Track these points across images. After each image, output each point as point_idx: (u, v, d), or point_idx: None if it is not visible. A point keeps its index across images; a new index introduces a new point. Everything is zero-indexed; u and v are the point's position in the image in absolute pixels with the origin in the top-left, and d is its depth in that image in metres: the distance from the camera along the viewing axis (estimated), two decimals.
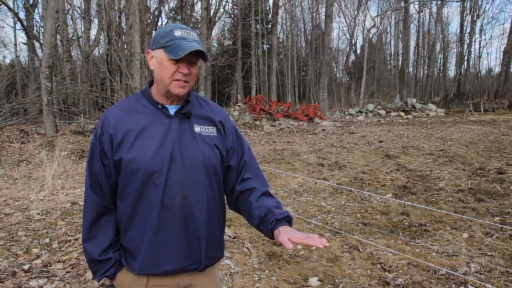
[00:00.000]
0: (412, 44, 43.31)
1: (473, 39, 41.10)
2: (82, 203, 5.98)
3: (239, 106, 20.19)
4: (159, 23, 33.56)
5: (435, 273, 3.84)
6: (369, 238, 4.71)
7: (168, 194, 1.58)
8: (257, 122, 18.09)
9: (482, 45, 73.04)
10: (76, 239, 4.67)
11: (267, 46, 35.73)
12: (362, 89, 29.48)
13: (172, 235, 1.60)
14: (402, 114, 23.98)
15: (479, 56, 45.06)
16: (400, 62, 36.56)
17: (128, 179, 1.59)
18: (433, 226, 5.11)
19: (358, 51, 46.10)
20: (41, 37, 25.13)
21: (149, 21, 28.30)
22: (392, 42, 44.11)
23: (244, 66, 32.89)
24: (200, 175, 1.64)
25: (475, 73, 46.63)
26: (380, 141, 12.80)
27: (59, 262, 4.11)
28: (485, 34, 76.39)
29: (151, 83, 1.71)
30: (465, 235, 4.80)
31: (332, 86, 38.49)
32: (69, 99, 18.41)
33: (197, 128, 1.67)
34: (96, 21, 26.75)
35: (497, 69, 45.41)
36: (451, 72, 45.78)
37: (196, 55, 1.59)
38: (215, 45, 40.76)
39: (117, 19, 21.75)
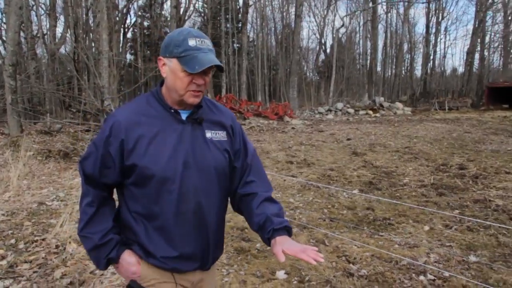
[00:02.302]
0: (380, 44, 44.23)
1: (438, 40, 42.29)
2: (50, 204, 5.93)
3: None
4: (128, 21, 33.15)
5: (397, 263, 3.99)
6: (335, 232, 4.84)
7: (182, 201, 1.60)
8: None
9: (447, 45, 75.26)
10: (43, 239, 4.61)
11: (238, 45, 35.78)
12: (331, 88, 29.89)
13: (186, 239, 1.64)
14: (370, 112, 24.46)
15: (444, 56, 46.51)
16: (368, 62, 37.24)
17: (141, 184, 1.59)
18: (397, 220, 5.29)
19: (328, 51, 46.70)
20: (3, 34, 24.40)
21: (117, 18, 27.91)
22: (361, 42, 44.84)
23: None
24: (212, 181, 1.67)
25: (441, 73, 47.98)
26: (348, 139, 13.05)
27: (25, 262, 4.06)
28: (449, 35, 78.62)
29: (162, 83, 1.69)
30: (426, 227, 4.99)
31: (302, 85, 38.84)
32: (34, 98, 17.99)
33: (208, 134, 1.69)
34: (62, 18, 26.20)
35: (461, 69, 46.82)
36: (418, 71, 46.85)
37: (211, 67, 1.58)
38: None
39: (84, 16, 21.36)
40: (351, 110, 24.42)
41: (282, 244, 1.56)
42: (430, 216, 5.42)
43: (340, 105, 25.27)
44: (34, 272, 3.86)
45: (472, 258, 4.09)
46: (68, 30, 21.02)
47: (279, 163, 9.07)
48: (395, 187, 6.98)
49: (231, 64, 32.25)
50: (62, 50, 25.08)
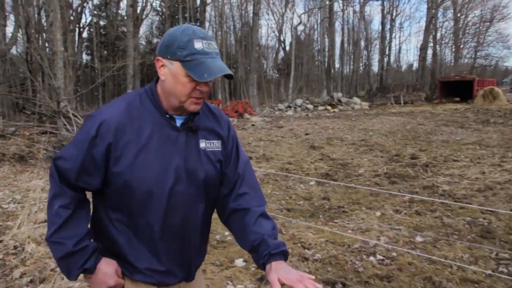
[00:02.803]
0: (338, 41, 45.18)
1: (393, 36, 43.62)
2: (6, 206, 5.83)
3: None
4: (83, 20, 32.40)
5: (349, 247, 4.22)
6: (292, 222, 5.03)
7: (170, 214, 1.48)
8: None
9: (401, 41, 77.55)
10: (0, 241, 4.56)
11: None
12: (290, 85, 30.32)
13: (171, 254, 1.54)
14: (329, 108, 25.00)
15: (399, 52, 47.94)
16: (326, 58, 37.96)
17: (126, 194, 1.44)
18: (351, 208, 5.54)
19: (287, 48, 47.23)
20: None
21: (72, 18, 27.26)
22: (319, 39, 45.63)
23: None
24: (200, 193, 1.56)
25: (396, 68, 49.50)
26: (307, 134, 13.36)
27: None
28: (403, 31, 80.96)
29: (157, 80, 1.50)
30: (378, 213, 5.27)
31: (262, 82, 39.15)
32: None
33: (202, 144, 1.55)
34: (12, 17, 25.32)
35: (416, 64, 48.45)
36: (375, 67, 48.22)
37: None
38: (143, 43, 39.99)
39: (36, 15, 20.76)
40: (310, 106, 24.88)
41: (278, 271, 1.46)
42: (382, 202, 5.71)
43: (299, 102, 25.69)
44: None
45: (419, 239, 4.37)
46: (20, 29, 20.40)
47: None
48: (350, 177, 7.27)
49: None
50: (13, 50, 24.29)
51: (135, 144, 1.41)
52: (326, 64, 38.16)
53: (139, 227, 1.47)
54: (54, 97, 13.49)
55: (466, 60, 50.23)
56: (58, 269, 3.78)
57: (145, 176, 1.41)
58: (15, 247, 4.36)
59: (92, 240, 1.51)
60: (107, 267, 1.49)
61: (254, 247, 1.54)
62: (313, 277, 1.44)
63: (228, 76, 1.42)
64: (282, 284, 1.42)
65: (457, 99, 30.29)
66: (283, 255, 1.52)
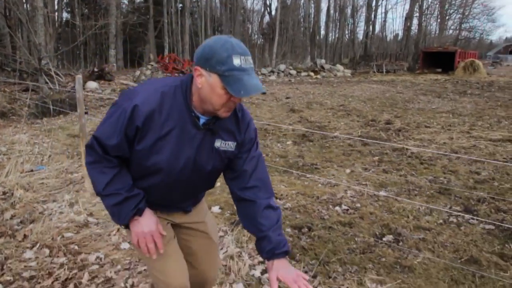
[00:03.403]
0: (324, 7, 44.80)
1: (379, 4, 43.46)
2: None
3: (152, 65, 20.03)
4: None
5: (318, 198, 4.58)
6: None
7: (168, 189, 1.75)
8: None
9: (387, 9, 77.14)
10: None
11: (181, 5, 35.05)
12: (274, 50, 30.30)
13: (167, 204, 1.84)
14: (312, 74, 25.19)
15: (384, 21, 47.78)
16: (311, 24, 37.78)
17: (137, 164, 1.67)
18: (323, 165, 5.89)
19: (273, 13, 46.73)
20: None
21: None
22: (305, 4, 45.17)
23: (156, 25, 32.11)
24: (202, 179, 1.79)
25: (381, 37, 49.56)
26: (287, 98, 13.62)
27: None
28: (390, 0, 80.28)
29: (192, 78, 1.61)
30: (348, 170, 5.63)
31: (246, 47, 38.90)
32: None
33: (217, 143, 1.69)
34: None
35: (401, 34, 48.51)
36: (360, 35, 48.19)
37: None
38: (126, 1, 39.11)
39: None
40: (293, 72, 25.02)
41: (278, 270, 1.69)
42: (353, 161, 6.07)
43: (282, 67, 25.79)
44: None
45: (382, 193, 4.75)
46: None
47: None
48: (326, 139, 7.61)
49: (174, 25, 31.69)
50: None
51: (157, 133, 1.57)
52: (310, 30, 37.99)
53: (140, 185, 1.71)
54: (35, 54, 13.39)
55: (451, 32, 50.58)
56: (46, 212, 4.09)
57: (156, 159, 1.62)
58: (4, 193, 4.60)
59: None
60: (152, 214, 1.73)
61: (258, 238, 1.77)
62: (307, 277, 1.71)
63: (263, 93, 1.52)
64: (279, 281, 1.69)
65: (439, 70, 30.73)
66: (286, 253, 1.74)
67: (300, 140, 7.48)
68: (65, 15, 35.93)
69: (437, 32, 48.87)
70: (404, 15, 41.57)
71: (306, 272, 3.00)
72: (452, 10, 46.54)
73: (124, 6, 36.66)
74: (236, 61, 1.45)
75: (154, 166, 1.64)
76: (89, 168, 1.67)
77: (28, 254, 3.29)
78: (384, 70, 29.37)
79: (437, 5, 44.94)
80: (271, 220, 1.75)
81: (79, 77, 4.61)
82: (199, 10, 37.07)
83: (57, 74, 14.23)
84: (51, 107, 9.81)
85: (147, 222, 1.69)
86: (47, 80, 13.55)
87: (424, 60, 31.46)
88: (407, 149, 6.77)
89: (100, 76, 16.38)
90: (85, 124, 4.68)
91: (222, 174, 1.86)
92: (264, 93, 1.54)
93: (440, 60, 30.72)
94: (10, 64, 15.32)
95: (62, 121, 9.27)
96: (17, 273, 3.01)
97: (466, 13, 47.07)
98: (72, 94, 10.18)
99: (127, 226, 1.72)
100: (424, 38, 42.80)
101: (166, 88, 1.60)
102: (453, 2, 45.46)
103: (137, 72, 18.88)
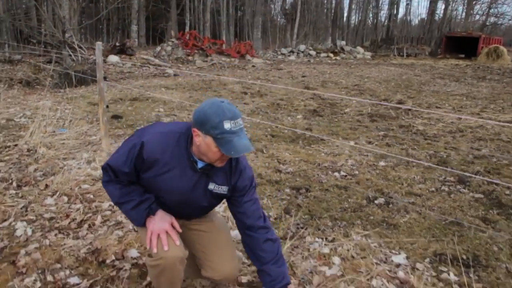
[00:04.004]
0: None
1: None
2: (18, 120, 6.40)
3: (172, 41, 20.29)
4: None
5: (319, 165, 4.84)
6: (273, 144, 5.63)
7: (175, 207, 2.02)
8: (190, 57, 18.44)
9: None
10: (15, 145, 5.15)
11: None
12: (295, 30, 30.19)
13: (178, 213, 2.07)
14: (331, 55, 25.14)
15: (407, 4, 46.78)
16: (333, 5, 37.39)
17: (145, 186, 1.99)
18: (329, 137, 6.12)
19: None
20: None
21: None
22: None
23: (179, 2, 32.25)
24: (200, 209, 2.11)
25: (405, 21, 48.69)
26: (304, 76, 13.78)
27: (1, 161, 4.64)
28: None
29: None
30: (352, 143, 5.85)
31: (268, 27, 38.81)
32: None
33: (211, 186, 1.98)
34: None
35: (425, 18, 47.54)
36: (384, 19, 47.43)
37: None
38: None
39: None
40: (313, 52, 25.01)
41: None
42: (358, 135, 6.29)
43: (302, 47, 25.78)
44: (10, 168, 4.47)
45: (381, 163, 4.98)
46: None
47: (234, 93, 9.74)
48: (336, 115, 7.81)
49: (196, 2, 31.80)
50: None
51: (159, 169, 1.90)
52: (332, 11, 37.64)
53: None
54: (59, 26, 13.78)
55: (477, 17, 49.32)
56: (65, 167, 4.44)
57: (157, 187, 1.95)
58: (28, 150, 4.98)
59: None
60: (165, 213, 1.99)
61: (258, 270, 2.07)
62: None
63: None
64: None
65: (462, 55, 30.21)
66: (286, 286, 2.03)
67: (310, 115, 7.70)
68: None
69: (463, 17, 47.72)
70: None
71: (297, 225, 3.29)
72: None
73: None
74: (227, 126, 1.71)
75: (156, 192, 1.98)
76: (105, 185, 2.02)
77: (49, 200, 3.65)
78: (405, 54, 29.05)
79: None
80: (271, 253, 2.04)
81: (99, 43, 4.91)
82: None
83: (80, 47, 14.63)
84: (74, 77, 10.20)
85: (160, 219, 1.95)
86: (70, 53, 13.98)
87: (446, 45, 30.91)
88: (413, 126, 6.95)
89: (122, 50, 16.74)
90: (103, 88, 5.00)
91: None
92: (253, 151, 1.87)
93: (463, 45, 30.17)
94: (35, 36, 15.77)
95: (83, 91, 9.65)
96: (39, 214, 3.37)
97: None
98: (94, 66, 10.55)
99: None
100: (448, 23, 41.92)
101: (171, 134, 1.92)
102: None
103: (158, 48, 19.20)
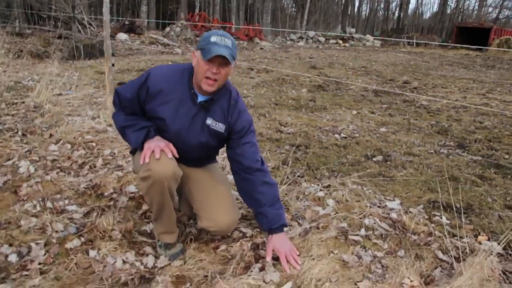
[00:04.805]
0: None
1: None
2: (26, 83, 6.50)
3: (182, 23, 20.27)
4: None
5: (320, 128, 4.87)
6: (276, 111, 5.67)
7: (173, 142, 2.02)
8: (198, 38, 18.43)
9: None
10: (23, 102, 5.24)
11: None
12: (305, 17, 30.02)
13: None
14: (340, 42, 25.00)
15: None
16: None
17: (151, 118, 2.06)
18: (332, 107, 6.15)
19: None
20: None
21: None
22: None
23: None
24: (198, 149, 2.12)
25: (416, 13, 48.20)
26: (311, 58, 13.75)
27: (8, 115, 4.71)
28: None
29: None
30: (355, 112, 5.88)
31: (278, 15, 38.60)
32: (2, 3, 17.68)
33: (208, 121, 2.04)
34: None
35: (436, 8, 47.06)
36: (395, 10, 46.95)
37: (224, 59, 1.85)
38: None
39: None
40: (322, 39, 24.88)
41: (274, 244, 2.05)
42: (361, 106, 6.31)
43: (311, 34, 25.63)
44: (16, 121, 4.55)
45: (382, 129, 5.01)
46: None
47: (240, 69, 9.76)
48: (340, 90, 7.82)
49: None
50: None
51: (162, 98, 1.99)
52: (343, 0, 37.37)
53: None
54: (69, 1, 13.83)
55: (491, 10, 48.68)
56: (70, 120, 4.51)
57: (159, 115, 2.00)
58: (35, 107, 5.06)
59: None
60: (162, 139, 2.02)
61: (256, 213, 2.14)
62: (298, 253, 2.05)
63: (222, 57, 1.84)
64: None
65: (473, 47, 29.90)
66: (282, 227, 2.10)
67: (315, 89, 7.71)
68: None
69: (476, 9, 47.14)
70: None
71: (293, 172, 3.34)
72: None
73: None
74: (213, 39, 1.86)
75: (159, 125, 2.03)
76: (113, 116, 2.17)
77: (53, 147, 3.72)
78: (415, 43, 28.81)
79: None
80: (268, 196, 2.10)
81: (105, 10, 4.93)
82: None
83: (90, 24, 14.70)
84: (82, 50, 10.27)
85: (158, 140, 2.00)
86: (80, 29, 14.05)
87: (457, 35, 30.59)
88: (417, 101, 6.95)
89: (131, 29, 16.78)
90: (109, 45, 5.05)
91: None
92: (226, 62, 1.87)
93: (474, 36, 29.85)
94: (45, 11, 15.85)
95: (91, 63, 9.72)
96: (42, 156, 3.45)
97: None
98: (102, 41, 10.62)
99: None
100: (460, 14, 41.47)
101: (177, 69, 2.06)
102: None
103: (167, 29, 19.20)
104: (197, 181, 2.23)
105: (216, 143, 2.14)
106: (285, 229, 2.17)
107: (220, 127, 2.06)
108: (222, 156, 3.40)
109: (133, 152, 2.25)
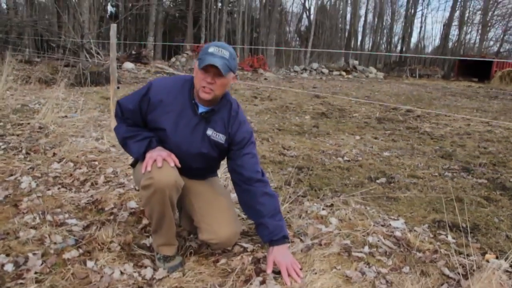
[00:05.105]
0: (362, 11, 44.60)
1: (417, 10, 42.86)
2: (32, 106, 6.55)
3: (187, 54, 20.65)
4: None
5: (323, 152, 4.86)
6: (279, 136, 5.67)
7: (175, 153, 2.01)
8: None
9: (426, 16, 75.91)
10: (28, 123, 5.27)
11: (220, 4, 35.70)
12: (309, 49, 30.47)
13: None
14: (344, 73, 25.23)
15: (420, 31, 46.90)
16: (348, 27, 37.76)
17: (153, 130, 2.07)
18: (335, 133, 6.15)
19: (312, 17, 46.87)
20: None
21: None
22: (341, 6, 45.11)
23: (196, 19, 32.87)
24: (199, 160, 2.11)
25: (418, 46, 48.89)
26: (314, 88, 13.87)
27: (13, 135, 4.73)
28: (429, 7, 78.95)
29: None
30: (358, 137, 5.87)
31: (282, 49, 39.21)
32: (13, 32, 18.10)
33: (209, 132, 2.05)
34: None
35: (438, 41, 47.73)
36: (397, 44, 47.67)
37: (218, 69, 1.86)
38: None
39: None
40: (325, 70, 25.16)
41: (276, 256, 2.01)
42: (365, 132, 6.31)
43: (315, 65, 25.96)
44: (21, 141, 4.56)
45: (386, 154, 4.99)
46: None
47: (244, 97, 9.84)
48: (344, 118, 7.84)
49: (212, 19, 32.37)
50: None
51: (163, 108, 2.00)
52: (346, 32, 37.99)
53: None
54: (78, 31, 14.14)
55: (492, 43, 49.27)
56: (73, 140, 4.52)
57: (161, 126, 2.01)
58: (40, 127, 5.09)
59: None
60: (163, 149, 2.01)
61: (257, 224, 2.11)
62: (300, 267, 2.01)
63: (214, 67, 1.86)
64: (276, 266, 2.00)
65: (475, 79, 30.11)
66: (284, 238, 2.06)
67: (319, 116, 7.74)
68: (109, 8, 37.19)
69: (477, 42, 47.73)
70: (444, 21, 40.92)
71: (295, 192, 3.30)
72: (494, 21, 45.37)
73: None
74: (211, 50, 1.89)
75: (160, 136, 2.03)
76: (115, 128, 2.19)
77: (55, 165, 3.71)
78: (417, 75, 29.09)
79: (480, 15, 43.92)
80: (269, 207, 2.07)
81: (112, 33, 5.03)
82: (239, 8, 37.62)
83: (98, 53, 14.96)
84: (89, 77, 10.42)
85: (159, 150, 1.99)
86: (88, 57, 14.29)
87: (459, 67, 30.91)
88: (420, 128, 6.95)
89: (137, 58, 17.06)
90: (115, 68, 5.12)
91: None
92: (219, 73, 1.87)
93: (476, 68, 30.10)
94: (55, 41, 16.18)
95: (97, 89, 9.84)
96: (44, 173, 3.44)
97: (511, 25, 45.75)
98: (109, 69, 10.78)
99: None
100: (462, 47, 42.00)
101: (178, 79, 2.11)
102: (496, 12, 44.31)
103: (173, 59, 19.53)
104: (198, 193, 2.20)
105: (217, 154, 2.13)
106: (286, 241, 2.12)
107: (220, 138, 2.07)
108: (225, 175, 3.38)
109: (133, 165, 2.23)
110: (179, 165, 1.97)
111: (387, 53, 40.12)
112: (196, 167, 2.15)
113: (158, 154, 1.94)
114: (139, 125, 2.10)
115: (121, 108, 2.10)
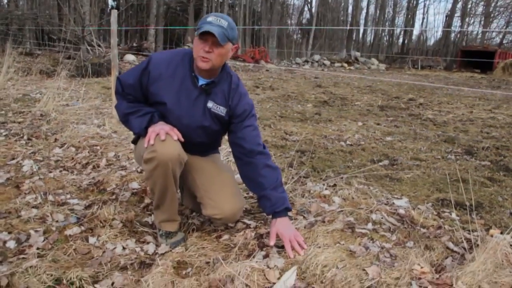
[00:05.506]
0: (364, 3, 44.38)
1: (419, 1, 42.59)
2: (33, 95, 6.54)
3: (188, 46, 20.53)
4: None
5: (326, 137, 4.84)
6: (281, 122, 5.65)
7: (176, 126, 1.99)
8: None
9: (428, 8, 75.47)
10: (29, 111, 5.26)
11: None
12: (310, 41, 30.36)
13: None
14: (345, 65, 25.14)
15: (422, 23, 46.64)
16: (349, 18, 37.59)
17: (155, 104, 2.04)
18: (337, 119, 6.12)
19: (313, 10, 46.60)
20: None
21: None
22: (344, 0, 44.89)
23: (197, 11, 32.73)
24: (201, 134, 2.09)
25: (420, 38, 48.64)
26: (316, 77, 13.82)
27: (14, 122, 4.72)
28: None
29: None
30: (360, 123, 5.84)
31: (284, 42, 39.08)
32: (14, 25, 18.04)
33: (209, 104, 2.02)
34: None
35: (440, 33, 47.42)
36: (399, 35, 47.41)
37: (215, 37, 1.82)
38: None
39: None
40: (327, 62, 25.05)
41: (278, 228, 2.00)
42: (366, 117, 6.28)
43: (317, 57, 25.86)
44: (22, 128, 4.55)
45: (388, 138, 4.96)
46: None
47: (246, 87, 9.77)
48: (346, 106, 7.81)
49: (213, 9, 32.24)
50: None
51: (164, 81, 1.98)
52: (348, 23, 37.82)
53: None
54: (79, 22, 14.10)
55: (494, 34, 49.00)
56: (75, 126, 4.51)
57: (163, 99, 1.99)
58: (41, 115, 5.08)
59: None
60: (165, 123, 1.99)
61: (259, 197, 2.08)
62: (303, 239, 1.99)
63: (212, 35, 1.83)
64: (279, 239, 1.99)
65: (478, 70, 29.98)
66: (286, 211, 2.04)
67: (321, 104, 7.71)
68: (110, 1, 37.05)
69: (480, 34, 47.47)
70: (446, 12, 40.70)
71: (298, 174, 3.29)
72: (497, 12, 45.07)
73: None
74: (209, 19, 1.86)
75: (161, 106, 2.01)
76: (115, 106, 2.15)
77: (57, 150, 3.71)
78: (419, 66, 28.97)
79: (483, 6, 43.63)
80: (271, 179, 2.05)
81: (113, 20, 5.00)
82: (240, 1, 37.44)
83: (99, 45, 14.92)
84: (90, 68, 10.39)
85: (161, 124, 1.97)
86: (89, 50, 14.25)
87: (462, 58, 30.74)
88: (422, 115, 6.91)
89: (138, 50, 17.02)
90: (116, 55, 5.09)
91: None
92: (217, 39, 1.82)
93: (478, 59, 29.95)
94: (56, 33, 16.14)
95: (98, 80, 9.82)
96: (46, 157, 3.44)
97: None
98: (110, 61, 10.75)
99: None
100: (465, 39, 41.79)
101: (178, 53, 2.07)
102: (499, 3, 44.02)
103: None
104: (200, 169, 2.19)
105: (218, 127, 2.10)
106: (289, 213, 2.10)
107: (221, 110, 2.04)
108: (227, 158, 3.37)
109: (135, 142, 2.21)
110: (182, 139, 1.95)
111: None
112: (198, 142, 2.12)
113: (160, 128, 1.92)
114: (140, 101, 2.07)
115: (121, 84, 2.07)
